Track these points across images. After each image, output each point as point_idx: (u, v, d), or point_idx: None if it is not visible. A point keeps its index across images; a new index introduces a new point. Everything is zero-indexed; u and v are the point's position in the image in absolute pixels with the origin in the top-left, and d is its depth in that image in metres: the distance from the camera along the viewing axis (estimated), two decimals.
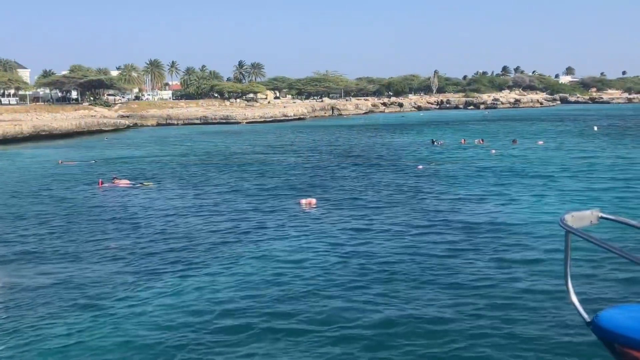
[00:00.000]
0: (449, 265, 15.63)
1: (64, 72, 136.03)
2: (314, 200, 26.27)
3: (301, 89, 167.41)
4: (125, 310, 13.15)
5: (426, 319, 12.09)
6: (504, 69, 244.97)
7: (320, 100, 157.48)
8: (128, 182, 33.82)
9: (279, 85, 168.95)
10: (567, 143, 54.21)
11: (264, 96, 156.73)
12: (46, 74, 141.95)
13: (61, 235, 20.83)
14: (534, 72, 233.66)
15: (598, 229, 4.22)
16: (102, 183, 33.44)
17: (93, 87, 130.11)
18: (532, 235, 18.86)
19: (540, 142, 54.95)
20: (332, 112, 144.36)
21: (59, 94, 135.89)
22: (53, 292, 14.46)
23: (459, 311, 12.46)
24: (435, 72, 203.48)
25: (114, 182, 33.45)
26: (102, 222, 23.17)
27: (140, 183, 33.65)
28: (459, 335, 11.30)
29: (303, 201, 26.33)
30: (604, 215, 3.82)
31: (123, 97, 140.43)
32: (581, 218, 3.79)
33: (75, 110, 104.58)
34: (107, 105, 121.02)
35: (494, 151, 45.78)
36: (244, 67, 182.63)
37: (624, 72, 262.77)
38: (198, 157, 49.71)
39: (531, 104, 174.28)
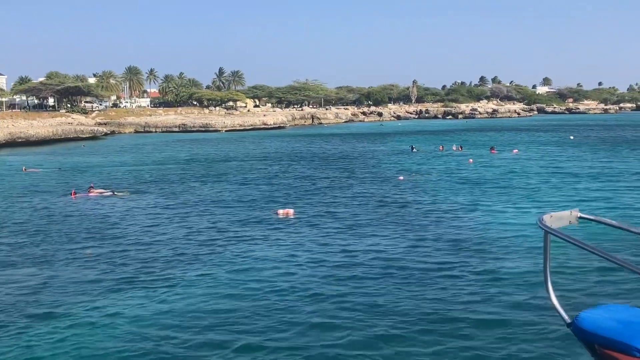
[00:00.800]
0: (429, 276, 15.51)
1: (40, 79, 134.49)
2: (291, 211, 25.92)
3: (281, 98, 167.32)
4: (94, 320, 12.90)
5: (407, 330, 11.98)
6: (482, 79, 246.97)
7: (300, 108, 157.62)
8: (103, 191, 33.25)
9: (259, 94, 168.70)
10: (543, 152, 54.76)
11: (244, 104, 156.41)
12: (22, 80, 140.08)
13: (26, 245, 20.41)
14: (511, 82, 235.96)
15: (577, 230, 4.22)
16: (75, 194, 32.77)
17: (70, 94, 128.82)
18: (512, 241, 18.92)
19: (515, 151, 55.45)
20: (312, 120, 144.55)
21: (36, 101, 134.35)
22: (19, 300, 14.18)
23: (439, 319, 12.37)
24: (414, 82, 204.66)
25: (89, 192, 32.81)
26: (75, 232, 22.74)
27: (112, 191, 33.10)
28: (442, 343, 11.23)
29: (280, 211, 26.00)
30: (583, 215, 3.78)
31: (100, 105, 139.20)
32: (560, 218, 3.76)
33: (52, 117, 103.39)
34: (84, 112, 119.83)
35: (471, 160, 45.96)
36: (223, 75, 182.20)
37: (600, 83, 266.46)
38: (175, 165, 49.32)
39: (509, 114, 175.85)
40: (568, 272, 15.00)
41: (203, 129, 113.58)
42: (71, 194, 32.62)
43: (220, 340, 11.72)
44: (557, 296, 3.68)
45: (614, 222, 3.63)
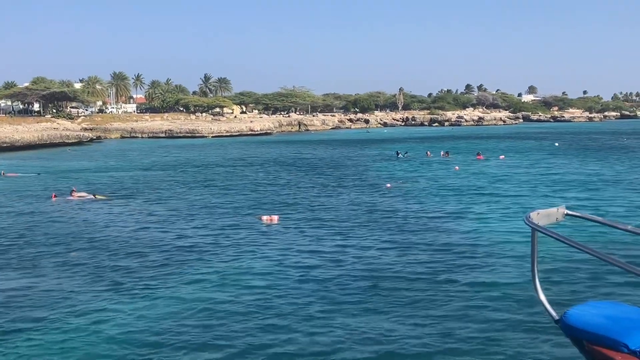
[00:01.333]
0: (416, 282, 15.43)
1: (26, 84, 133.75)
2: (276, 217, 25.59)
3: (268, 104, 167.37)
4: (76, 326, 12.81)
5: (391, 340, 11.93)
6: (468, 87, 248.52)
7: (287, 115, 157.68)
8: (85, 194, 33.05)
9: (246, 100, 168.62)
10: (529, 158, 55.09)
11: (231, 110, 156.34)
12: (8, 85, 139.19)
13: (5, 251, 20.17)
14: (497, 90, 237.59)
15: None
16: (55, 196, 32.66)
17: (56, 100, 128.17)
18: (499, 246, 18.98)
19: (502, 157, 55.75)
20: (299, 127, 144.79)
21: (21, 106, 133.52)
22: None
23: (427, 322, 12.36)
24: (401, 89, 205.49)
25: (72, 195, 32.59)
26: (56, 236, 22.50)
27: (93, 195, 32.82)
28: (429, 349, 11.23)
29: (265, 217, 25.68)
30: (570, 212, 3.80)
31: (86, 110, 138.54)
32: (547, 215, 3.78)
33: (37, 122, 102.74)
34: (69, 117, 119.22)
35: (457, 168, 46.07)
36: (209, 81, 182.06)
37: (584, 92, 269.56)
38: (161, 171, 49.10)
39: (494, 122, 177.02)
40: (555, 269, 15.09)
41: (190, 135, 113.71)
42: (52, 197, 32.47)
43: (203, 346, 11.64)
44: (544, 293, 3.69)
45: (600, 219, 3.66)
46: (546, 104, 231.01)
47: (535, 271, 3.77)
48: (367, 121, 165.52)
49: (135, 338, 11.93)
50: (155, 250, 19.72)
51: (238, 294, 14.84)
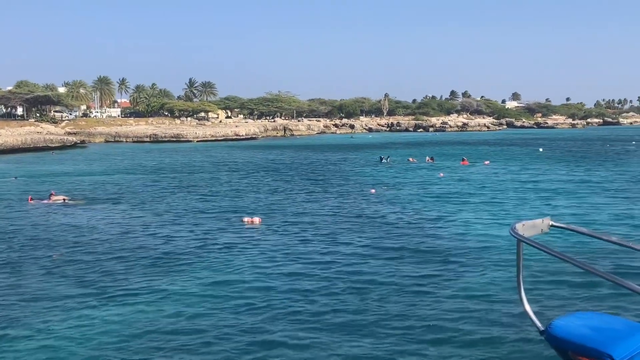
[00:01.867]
0: (399, 288, 15.45)
1: (9, 88, 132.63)
2: (257, 219, 25.66)
3: (253, 109, 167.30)
4: (55, 332, 12.78)
5: (378, 343, 11.95)
6: (452, 93, 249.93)
7: (272, 120, 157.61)
8: (64, 197, 32.95)
9: (231, 105, 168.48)
10: (513, 163, 55.49)
11: (216, 115, 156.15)
12: None
13: None
14: (481, 97, 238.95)
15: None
16: (31, 199, 32.66)
17: (39, 104, 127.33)
18: (484, 252, 19.05)
19: (487, 162, 56.08)
20: (284, 132, 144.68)
21: (4, 110, 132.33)
22: None
23: (410, 337, 12.36)
24: (386, 95, 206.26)
25: (50, 199, 32.47)
26: (33, 240, 22.36)
27: (70, 198, 32.80)
28: (413, 353, 11.23)
29: (246, 219, 25.78)
30: (555, 224, 3.84)
31: (70, 114, 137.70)
32: (532, 227, 3.80)
33: (21, 126, 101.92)
34: (53, 121, 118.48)
35: (441, 174, 46.11)
36: (194, 86, 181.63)
37: (567, 99, 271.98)
38: (144, 175, 48.87)
39: (478, 128, 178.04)
40: (541, 280, 15.14)
41: (174, 139, 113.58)
42: (28, 199, 32.50)
43: (179, 351, 11.62)
44: (530, 304, 3.71)
45: (585, 230, 3.70)
46: (530, 110, 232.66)
47: (521, 282, 3.80)
48: (352, 126, 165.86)
49: (112, 342, 11.91)
50: (136, 254, 19.61)
51: (220, 295, 14.83)
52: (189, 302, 14.25)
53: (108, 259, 18.86)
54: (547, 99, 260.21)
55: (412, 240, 21.08)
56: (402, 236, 22.02)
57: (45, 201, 32.27)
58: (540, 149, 77.98)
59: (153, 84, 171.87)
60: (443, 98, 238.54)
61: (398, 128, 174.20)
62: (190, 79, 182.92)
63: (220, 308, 13.84)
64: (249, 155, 74.94)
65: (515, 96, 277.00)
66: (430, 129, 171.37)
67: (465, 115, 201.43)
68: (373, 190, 36.11)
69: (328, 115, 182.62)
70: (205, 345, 11.61)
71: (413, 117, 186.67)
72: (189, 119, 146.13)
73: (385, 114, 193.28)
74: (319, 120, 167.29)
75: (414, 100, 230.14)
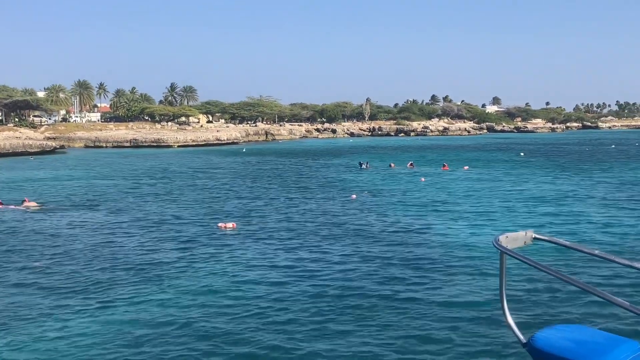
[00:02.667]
0: (379, 302, 15.32)
1: None
2: (231, 224, 25.84)
3: (235, 114, 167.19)
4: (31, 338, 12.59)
5: (356, 354, 11.86)
6: (433, 97, 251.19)
7: (254, 125, 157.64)
8: (35, 204, 33.28)
9: (212, 109, 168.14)
10: (493, 168, 55.88)
11: (197, 120, 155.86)
12: None
13: None
14: (462, 101, 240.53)
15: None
16: (1, 204, 33.07)
17: (18, 108, 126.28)
18: (465, 260, 19.08)
19: (466, 168, 56.39)
20: (266, 136, 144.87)
21: None
22: None
23: (390, 348, 12.29)
24: (368, 99, 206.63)
25: (22, 205, 32.82)
26: (8, 248, 22.15)
27: (41, 206, 32.78)
28: None
29: (221, 224, 25.94)
30: (538, 236, 3.84)
31: (49, 119, 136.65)
32: (515, 239, 3.80)
33: (0, 131, 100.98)
34: (32, 126, 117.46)
35: (423, 179, 46.29)
36: (175, 90, 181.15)
37: (547, 103, 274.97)
38: (124, 181, 48.52)
39: (459, 132, 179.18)
40: (524, 292, 15.17)
41: (155, 144, 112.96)
42: None
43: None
44: (512, 316, 3.71)
45: (567, 243, 3.70)
46: (510, 114, 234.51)
47: (504, 294, 3.80)
48: (334, 131, 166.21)
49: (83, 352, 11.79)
50: (110, 261, 19.44)
51: (192, 302, 14.71)
52: (164, 311, 14.13)
53: (82, 267, 18.63)
54: (526, 104, 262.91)
55: (392, 248, 21.03)
56: (382, 243, 21.98)
57: (12, 207, 32.44)
58: (522, 154, 78.72)
59: (133, 88, 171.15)
60: (424, 102, 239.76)
61: (380, 133, 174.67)
62: (171, 84, 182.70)
63: (194, 316, 13.75)
64: (230, 160, 74.75)
65: (495, 100, 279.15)
66: (412, 134, 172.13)
67: (446, 120, 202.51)
68: (354, 196, 36.06)
69: (310, 119, 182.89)
70: (182, 351, 11.54)
71: (394, 121, 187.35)
72: (169, 123, 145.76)
73: (367, 118, 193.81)
74: (301, 125, 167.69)
75: (396, 105, 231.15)
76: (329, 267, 18.32)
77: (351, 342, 12.05)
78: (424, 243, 21.92)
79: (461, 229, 24.82)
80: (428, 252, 20.38)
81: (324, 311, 14.09)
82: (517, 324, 3.66)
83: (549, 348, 3.42)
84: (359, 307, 14.37)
